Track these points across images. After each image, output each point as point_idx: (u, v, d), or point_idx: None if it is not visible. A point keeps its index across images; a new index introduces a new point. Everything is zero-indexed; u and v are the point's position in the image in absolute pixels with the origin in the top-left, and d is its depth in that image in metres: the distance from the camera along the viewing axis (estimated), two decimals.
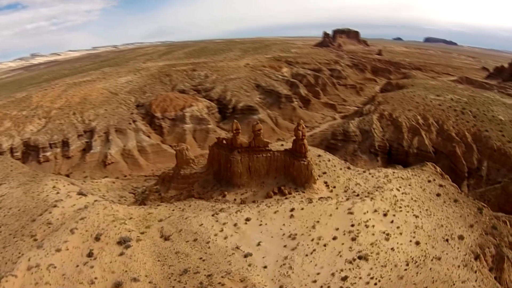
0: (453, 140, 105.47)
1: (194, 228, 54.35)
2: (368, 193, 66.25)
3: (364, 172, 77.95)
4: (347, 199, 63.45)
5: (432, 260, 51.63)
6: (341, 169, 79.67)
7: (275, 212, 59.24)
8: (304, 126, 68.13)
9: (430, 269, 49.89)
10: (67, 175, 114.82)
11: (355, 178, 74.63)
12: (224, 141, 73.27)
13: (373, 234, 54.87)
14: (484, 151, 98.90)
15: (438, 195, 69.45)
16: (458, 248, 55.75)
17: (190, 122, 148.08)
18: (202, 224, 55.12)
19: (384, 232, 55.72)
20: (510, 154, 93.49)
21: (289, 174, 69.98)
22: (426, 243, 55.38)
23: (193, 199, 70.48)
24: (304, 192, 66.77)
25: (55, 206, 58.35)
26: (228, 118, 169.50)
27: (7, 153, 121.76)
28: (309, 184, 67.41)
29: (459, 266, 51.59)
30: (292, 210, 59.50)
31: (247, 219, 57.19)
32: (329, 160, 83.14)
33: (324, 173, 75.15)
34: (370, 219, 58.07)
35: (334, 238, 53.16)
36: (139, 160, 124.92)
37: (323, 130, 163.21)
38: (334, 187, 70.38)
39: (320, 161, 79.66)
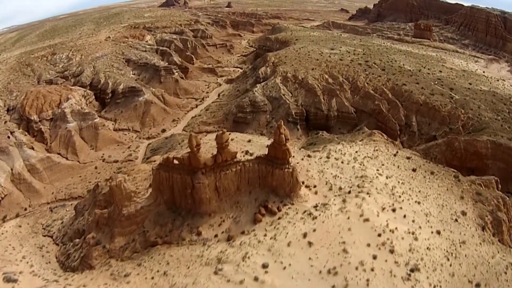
0: (374, 98, 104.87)
1: None
2: (358, 186, 59.73)
3: (328, 158, 70.92)
4: (344, 201, 56.07)
5: (460, 246, 50.70)
6: (302, 159, 71.45)
7: (288, 245, 49.04)
8: (285, 128, 56.37)
9: (465, 256, 49.41)
10: None
11: (326, 168, 67.21)
12: (176, 161, 57.14)
13: (403, 238, 49.89)
14: (409, 106, 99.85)
15: (414, 170, 67.59)
16: (468, 224, 55.99)
17: (73, 120, 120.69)
18: None
19: (409, 232, 51.31)
20: (438, 107, 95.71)
21: (266, 185, 59.02)
22: (444, 230, 53.82)
23: (158, 248, 54.66)
24: (293, 204, 57.08)
25: None
26: (108, 105, 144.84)
27: None
28: (296, 193, 57.73)
29: (480, 244, 52.07)
30: (304, 235, 49.95)
31: (264, 266, 46.11)
32: None
33: None
34: (387, 221, 52.08)
35: (375, 258, 46.43)
36: (33, 184, 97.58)
37: (217, 101, 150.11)
38: (315, 186, 61.99)
39: None
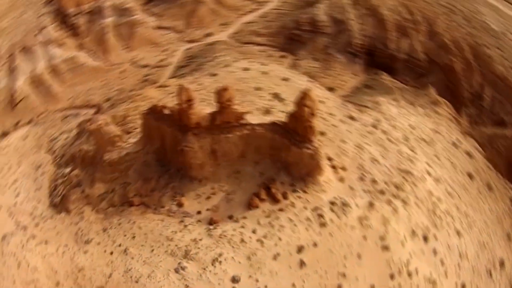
0: (449, 51, 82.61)
1: None
2: (396, 187, 45.40)
3: (374, 127, 55.88)
4: (371, 206, 42.63)
5: None
6: (342, 120, 56.55)
7: (274, 258, 37.52)
8: (313, 98, 41.25)
9: None
10: None
11: (367, 144, 52.49)
12: (167, 111, 45.37)
13: (418, 286, 36.34)
14: (487, 74, 77.41)
15: (470, 176, 52.00)
16: (499, 284, 42.44)
17: (110, 15, 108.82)
18: None
19: (429, 280, 37.94)
20: None
21: (279, 159, 46.17)
22: (471, 283, 40.21)
23: (131, 211, 45.85)
24: (305, 192, 44.23)
25: None
26: None
27: None
28: (314, 178, 44.47)
29: None
30: (300, 250, 38.08)
31: (235, 279, 35.98)
32: (321, 102, 59.18)
33: (323, 133, 51.42)
34: (411, 255, 38.72)
35: None
36: (53, 87, 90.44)
37: (277, 7, 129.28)
38: (344, 168, 48.13)
39: None
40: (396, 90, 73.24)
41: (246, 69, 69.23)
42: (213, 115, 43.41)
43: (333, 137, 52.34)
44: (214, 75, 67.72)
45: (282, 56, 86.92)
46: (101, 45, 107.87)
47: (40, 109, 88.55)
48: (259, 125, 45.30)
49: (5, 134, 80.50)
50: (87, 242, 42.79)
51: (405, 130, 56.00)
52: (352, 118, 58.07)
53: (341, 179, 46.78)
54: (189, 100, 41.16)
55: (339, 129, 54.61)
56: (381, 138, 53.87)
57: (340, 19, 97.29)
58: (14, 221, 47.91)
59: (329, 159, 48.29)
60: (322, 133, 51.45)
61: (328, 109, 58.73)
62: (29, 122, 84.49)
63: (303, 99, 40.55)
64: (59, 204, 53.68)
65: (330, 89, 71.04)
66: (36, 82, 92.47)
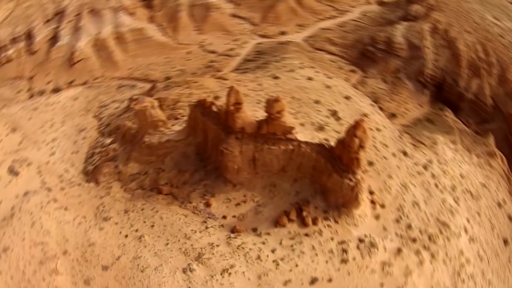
0: None
1: None
2: (430, 238, 42.78)
3: (425, 169, 52.78)
4: (398, 253, 40.46)
5: None
6: (394, 154, 53.80)
7: (285, 284, 36.31)
8: (365, 129, 39.14)
9: None
10: (32, 78, 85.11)
11: (413, 184, 49.70)
12: (215, 108, 44.82)
13: None
14: None
15: (505, 242, 48.39)
16: None
17: None
18: None
19: None
20: None
21: (318, 182, 44.66)
22: None
23: (158, 199, 45.95)
24: (336, 222, 42.45)
25: None
26: None
27: None
28: (349, 210, 42.61)
29: None
30: (313, 281, 36.82)
31: None
32: (378, 129, 56.54)
33: (371, 164, 49.40)
34: None
35: None
36: (114, 54, 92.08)
37: (357, 19, 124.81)
38: (383, 206, 45.80)
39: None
40: (456, 131, 69.50)
41: (309, 79, 67.22)
42: (260, 124, 42.39)
43: (380, 169, 49.92)
44: (276, 77, 66.21)
45: (352, 71, 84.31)
46: (172, 22, 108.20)
47: (97, 73, 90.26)
48: (305, 143, 43.77)
49: (56, 90, 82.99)
50: (106, 219, 43.03)
51: (455, 179, 52.60)
52: (405, 153, 55.18)
53: (377, 217, 44.53)
54: (237, 104, 40.41)
55: (389, 162, 51.94)
56: (429, 182, 50.90)
57: (417, 45, 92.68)
58: (41, 180, 48.40)
59: (371, 192, 46.18)
60: (371, 163, 49.46)
61: (383, 139, 56.02)
62: (83, 84, 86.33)
63: (356, 129, 38.60)
64: (90, 173, 54.66)
65: (392, 115, 68.25)
66: (99, 45, 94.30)
